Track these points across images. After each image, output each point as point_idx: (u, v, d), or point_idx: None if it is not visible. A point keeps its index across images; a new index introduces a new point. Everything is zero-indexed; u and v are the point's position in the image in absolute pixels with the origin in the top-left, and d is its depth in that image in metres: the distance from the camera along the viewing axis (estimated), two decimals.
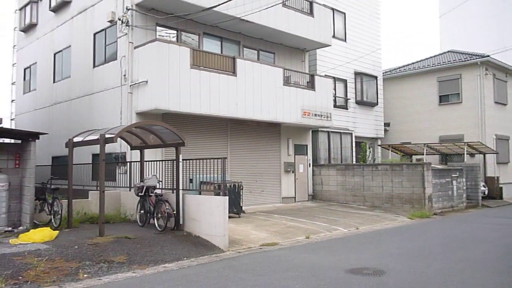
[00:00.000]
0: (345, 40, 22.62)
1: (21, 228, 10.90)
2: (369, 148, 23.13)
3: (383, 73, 25.95)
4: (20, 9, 21.80)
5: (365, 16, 23.95)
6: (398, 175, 17.75)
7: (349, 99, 22.70)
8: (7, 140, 13.89)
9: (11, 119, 22.35)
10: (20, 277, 6.98)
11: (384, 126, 25.29)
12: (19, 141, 11.96)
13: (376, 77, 24.27)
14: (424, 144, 22.70)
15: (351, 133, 22.61)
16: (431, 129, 25.52)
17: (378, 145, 24.62)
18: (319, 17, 18.98)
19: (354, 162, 22.12)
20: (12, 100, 22.52)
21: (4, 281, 6.74)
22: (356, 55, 22.80)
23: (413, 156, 25.00)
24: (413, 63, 28.21)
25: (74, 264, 7.78)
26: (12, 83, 22.62)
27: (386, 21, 64.33)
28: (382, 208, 17.55)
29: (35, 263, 7.58)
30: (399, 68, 28.22)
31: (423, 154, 23.44)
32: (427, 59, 28.21)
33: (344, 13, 22.66)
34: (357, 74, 23.14)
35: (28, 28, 21.06)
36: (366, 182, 18.65)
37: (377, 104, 24.36)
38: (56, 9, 18.71)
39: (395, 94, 26.96)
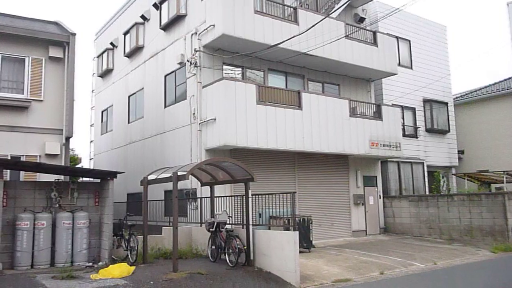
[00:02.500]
0: (412, 68, 22.15)
1: (100, 263, 11.40)
2: (443, 178, 22.11)
3: (454, 98, 25.02)
4: (98, 57, 23.48)
5: (432, 42, 23.39)
6: (476, 205, 16.77)
7: (418, 127, 22.02)
8: (86, 179, 14.76)
9: (90, 159, 23.79)
10: None
11: (458, 153, 24.16)
12: (98, 180, 12.68)
13: (446, 103, 23.43)
14: (504, 171, 21.35)
15: (423, 163, 21.80)
16: (511, 155, 24.01)
17: (453, 174, 23.49)
18: (383, 46, 18.79)
19: (427, 193, 21.20)
20: (91, 141, 24.01)
21: None
22: (424, 82, 22.20)
23: (492, 184, 23.53)
24: (485, 87, 26.97)
25: None
26: (91, 125, 24.17)
27: (456, 44, 62.33)
28: (461, 241, 16.57)
29: None
30: (471, 92, 27.07)
31: (502, 183, 22.01)
32: (501, 81, 26.86)
33: (409, 41, 22.28)
34: (426, 101, 22.47)
35: (105, 74, 22.58)
36: (442, 213, 17.77)
37: (449, 131, 23.41)
38: (130, 55, 19.97)
39: (468, 120, 25.77)
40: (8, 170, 12.55)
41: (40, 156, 13.54)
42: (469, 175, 22.62)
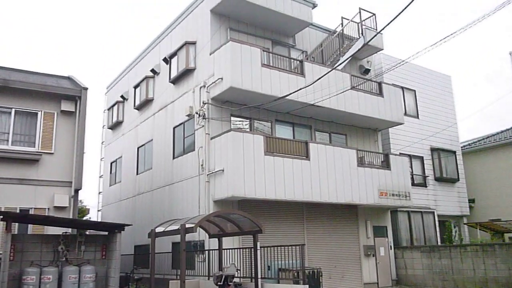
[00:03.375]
0: (418, 117, 22.32)
1: None
2: (454, 227, 21.75)
3: (462, 147, 25.01)
4: (108, 109, 23.97)
5: (437, 92, 23.69)
6: (490, 256, 16.36)
7: (427, 176, 21.90)
8: (94, 232, 14.69)
9: (98, 210, 23.75)
10: None
11: (469, 202, 23.85)
12: (106, 233, 12.63)
13: (454, 152, 23.40)
14: None
15: (433, 212, 21.51)
16: None
17: (464, 224, 23.09)
18: (389, 97, 19.03)
19: (439, 243, 20.79)
20: (100, 192, 24.06)
21: None
22: (431, 131, 22.30)
23: (505, 234, 23.05)
24: (493, 135, 26.98)
25: None
26: (100, 176, 24.31)
27: (461, 92, 63.03)
28: None
29: None
30: (479, 140, 27.06)
31: None
32: (508, 129, 26.87)
33: (415, 91, 22.58)
34: (433, 150, 22.47)
35: (115, 126, 22.96)
36: (455, 264, 17.33)
37: (458, 180, 23.24)
38: (140, 107, 20.38)
39: (477, 168, 25.62)
40: (17, 223, 12.57)
41: (48, 208, 13.58)
42: (481, 225, 22.21)
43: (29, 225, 13.10)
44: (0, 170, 13.21)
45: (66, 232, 12.35)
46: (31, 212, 13.20)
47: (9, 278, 10.63)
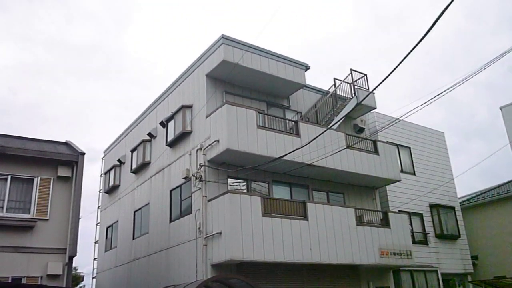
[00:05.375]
0: (414, 174, 22.37)
1: None
2: (459, 286, 21.17)
3: (460, 202, 24.87)
4: (105, 173, 23.96)
5: (431, 148, 23.91)
6: None
7: (428, 233, 21.61)
8: None
9: (93, 277, 23.08)
10: None
11: (472, 259, 23.39)
12: None
13: (453, 208, 23.25)
14: None
15: (436, 270, 21.01)
16: None
17: (469, 282, 22.50)
18: (384, 154, 19.17)
19: None
20: (95, 258, 23.50)
21: None
22: (428, 188, 22.27)
23: None
24: (490, 190, 26.96)
25: None
26: (95, 242, 23.85)
27: (456, 148, 63.66)
28: None
29: None
30: (477, 195, 26.98)
31: None
32: (505, 183, 26.88)
33: (409, 148, 22.78)
34: (432, 206, 22.33)
35: (112, 190, 22.85)
36: None
37: (460, 236, 22.91)
38: (136, 171, 20.39)
39: (478, 224, 25.35)
40: None
41: (41, 277, 13.20)
42: (486, 282, 21.65)
43: None
44: None
45: None
46: (23, 281, 12.81)
47: None
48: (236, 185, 16.00)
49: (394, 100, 72.27)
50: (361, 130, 20.56)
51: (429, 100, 11.34)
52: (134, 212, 20.10)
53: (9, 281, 12.57)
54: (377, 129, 20.70)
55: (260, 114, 15.99)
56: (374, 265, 17.28)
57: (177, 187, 16.91)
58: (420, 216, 21.72)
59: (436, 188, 22.55)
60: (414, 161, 22.70)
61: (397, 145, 21.58)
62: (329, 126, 16.97)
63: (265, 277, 14.87)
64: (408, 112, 12.11)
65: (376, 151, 18.95)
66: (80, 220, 14.24)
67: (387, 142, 19.90)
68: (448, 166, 24.35)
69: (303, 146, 15.30)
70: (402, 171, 21.15)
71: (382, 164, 18.90)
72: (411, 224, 20.76)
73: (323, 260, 15.39)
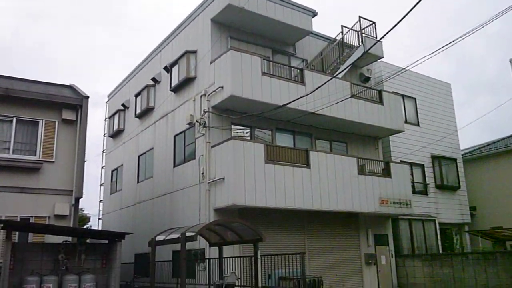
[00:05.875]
0: (418, 125, 22.34)
1: None
2: (456, 235, 21.68)
3: (462, 154, 24.98)
4: (110, 118, 24.05)
5: (437, 99, 23.72)
6: (492, 264, 16.29)
7: (428, 184, 21.88)
8: (94, 241, 14.68)
9: (99, 219, 23.72)
10: None
11: (470, 210, 23.79)
12: (106, 241, 12.62)
13: (455, 160, 23.39)
14: None
15: (434, 220, 21.45)
16: None
17: (466, 231, 23.02)
18: (389, 104, 19.07)
19: (440, 251, 20.71)
20: (100, 200, 24.05)
21: None
22: (431, 139, 22.31)
23: (507, 242, 22.95)
24: (493, 142, 26.96)
25: None
26: (101, 185, 24.31)
27: (461, 99, 63.08)
28: None
29: None
30: (479, 148, 27.03)
31: None
32: (509, 137, 26.85)
33: (415, 98, 22.62)
34: (434, 157, 22.47)
35: (116, 134, 23.01)
36: (457, 273, 17.25)
37: (460, 188, 23.20)
38: (141, 116, 20.44)
39: (478, 176, 25.57)
40: (17, 232, 12.57)
41: (49, 217, 13.58)
42: (482, 233, 22.14)
43: (30, 233, 13.09)
44: (1, 179, 13.25)
45: (66, 241, 12.35)
46: (32, 220, 13.21)
47: (9, 286, 10.61)
48: (240, 132, 16.07)
49: (401, 49, 70.94)
50: (367, 79, 20.34)
51: (437, 50, 11.14)
52: (139, 156, 20.34)
53: (18, 220, 12.95)
54: (383, 78, 20.47)
55: (265, 61, 15.79)
56: (374, 214, 17.64)
57: (181, 132, 17.01)
58: (422, 166, 21.90)
59: (439, 139, 22.58)
60: (418, 112, 22.60)
61: (402, 95, 21.40)
62: (334, 75, 16.80)
63: (266, 222, 15.24)
64: (415, 62, 11.94)
65: (381, 101, 18.83)
66: (85, 163, 14.45)
67: (393, 92, 19.73)
68: (453, 118, 24.26)
69: (307, 94, 15.22)
70: (406, 121, 21.12)
71: (387, 114, 18.84)
72: (412, 174, 20.97)
73: (324, 208, 15.71)
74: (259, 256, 11.09)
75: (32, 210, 13.44)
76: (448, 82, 24.93)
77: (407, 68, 14.73)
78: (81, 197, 14.05)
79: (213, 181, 14.57)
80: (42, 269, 11.41)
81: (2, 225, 10.87)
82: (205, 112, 15.38)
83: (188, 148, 16.47)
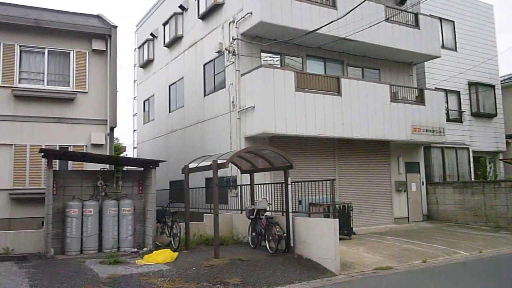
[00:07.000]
0: (456, 50, 21.39)
1: (145, 249, 11.79)
2: (489, 163, 21.37)
3: (501, 81, 24.00)
4: (139, 48, 23.97)
5: (477, 22, 22.47)
6: None
7: (463, 111, 21.32)
8: (130, 168, 15.20)
9: (134, 148, 24.44)
10: None
11: (506, 138, 23.23)
12: (142, 169, 13.04)
13: (493, 86, 22.53)
14: None
15: (468, 148, 21.13)
16: None
17: (500, 160, 22.65)
18: (426, 28, 18.22)
19: (472, 179, 20.58)
20: (134, 130, 24.64)
21: None
22: (469, 65, 21.41)
23: None
24: None
25: (193, 285, 8.21)
26: (134, 115, 24.78)
27: (503, 24, 59.49)
28: (509, 230, 16.01)
29: (158, 283, 8.15)
30: None
31: None
32: None
33: (453, 22, 21.49)
34: (471, 84, 21.69)
35: (146, 64, 23.03)
36: (488, 200, 17.21)
37: (496, 115, 22.53)
38: (169, 45, 20.27)
39: None
40: (57, 160, 13.11)
41: (86, 146, 14.07)
42: None
43: (69, 161, 13.64)
44: (38, 109, 13.64)
45: (104, 168, 12.83)
46: (70, 149, 13.71)
47: (54, 211, 11.25)
48: (270, 60, 15.81)
49: None
50: (403, 2, 19.32)
51: None
52: (169, 86, 20.43)
53: (57, 148, 13.46)
54: (420, 0, 19.38)
55: None
56: (406, 141, 17.48)
57: (210, 61, 16.86)
58: (457, 93, 21.25)
59: (477, 65, 21.66)
60: (457, 36, 21.55)
61: (440, 18, 20.36)
62: None
63: (296, 150, 15.35)
64: None
65: (417, 25, 17.99)
66: (117, 93, 14.64)
67: (430, 15, 18.78)
68: (493, 42, 23.06)
69: (339, 19, 14.64)
70: (443, 46, 20.25)
71: (423, 39, 18.06)
72: (447, 101, 20.44)
73: (354, 135, 15.64)
74: (289, 183, 11.27)
75: (69, 139, 13.92)
76: (490, 4, 23.46)
77: None
78: (115, 126, 14.38)
79: (243, 109, 14.59)
80: (83, 195, 11.98)
81: (42, 153, 11.32)
82: (234, 39, 15.09)
83: (217, 77, 16.39)
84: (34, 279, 8.45)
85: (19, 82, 13.66)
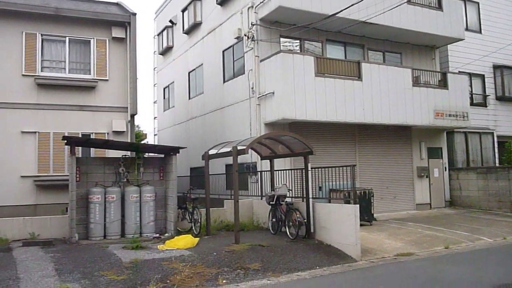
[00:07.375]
0: (480, 32, 20.84)
1: (166, 235, 11.95)
2: None
3: None
4: (158, 35, 24.02)
5: (503, 3, 21.81)
6: None
7: (488, 95, 20.83)
8: (151, 155, 15.36)
9: (155, 135, 24.67)
10: (168, 281, 7.64)
11: None
12: (162, 155, 13.16)
13: None
14: None
15: (492, 133, 20.68)
16: None
17: None
18: (449, 10, 17.78)
19: (497, 164, 20.17)
20: (155, 117, 24.84)
21: (155, 284, 7.44)
22: (494, 47, 20.83)
23: None
24: None
25: (214, 270, 8.29)
26: (154, 102, 24.96)
27: None
28: None
29: (180, 268, 8.25)
30: None
31: None
32: None
33: (478, 3, 20.90)
34: (496, 67, 21.14)
35: (166, 51, 23.09)
36: None
37: None
38: (188, 32, 20.25)
39: None
40: (80, 147, 13.33)
41: (108, 133, 14.25)
42: None
43: (91, 149, 13.85)
44: (60, 98, 13.85)
45: (125, 155, 12.98)
46: (92, 137, 13.91)
47: (77, 197, 11.47)
48: (289, 45, 15.66)
49: None
50: None
51: None
52: (189, 73, 20.46)
53: (80, 136, 13.67)
54: None
55: None
56: (428, 126, 17.20)
57: (229, 47, 16.79)
58: (482, 77, 20.75)
59: (502, 47, 21.06)
60: (481, 18, 20.97)
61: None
62: None
63: (316, 136, 15.26)
64: None
65: (439, 7, 17.56)
66: (137, 80, 14.74)
67: None
68: None
69: (360, 1, 14.36)
70: (467, 29, 19.73)
71: (446, 21, 17.63)
72: (470, 85, 19.98)
73: (375, 121, 15.46)
74: (309, 169, 11.22)
75: (91, 127, 14.11)
76: None
77: None
78: (136, 113, 14.52)
79: (263, 95, 14.54)
80: (105, 182, 12.17)
81: (65, 141, 11.51)
82: (252, 25, 14.98)
83: (237, 63, 16.34)
84: (59, 263, 8.66)
85: (42, 71, 13.87)
